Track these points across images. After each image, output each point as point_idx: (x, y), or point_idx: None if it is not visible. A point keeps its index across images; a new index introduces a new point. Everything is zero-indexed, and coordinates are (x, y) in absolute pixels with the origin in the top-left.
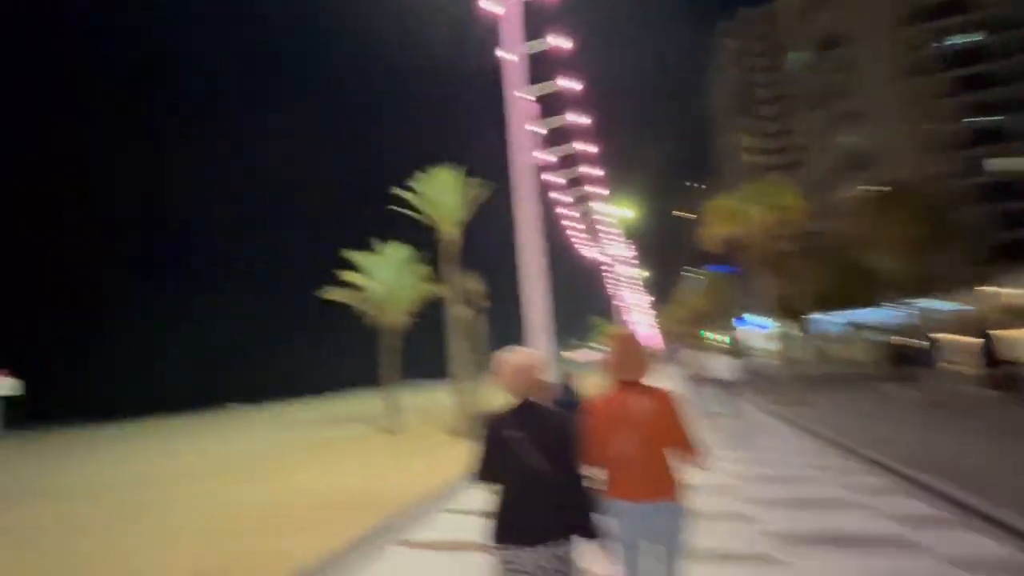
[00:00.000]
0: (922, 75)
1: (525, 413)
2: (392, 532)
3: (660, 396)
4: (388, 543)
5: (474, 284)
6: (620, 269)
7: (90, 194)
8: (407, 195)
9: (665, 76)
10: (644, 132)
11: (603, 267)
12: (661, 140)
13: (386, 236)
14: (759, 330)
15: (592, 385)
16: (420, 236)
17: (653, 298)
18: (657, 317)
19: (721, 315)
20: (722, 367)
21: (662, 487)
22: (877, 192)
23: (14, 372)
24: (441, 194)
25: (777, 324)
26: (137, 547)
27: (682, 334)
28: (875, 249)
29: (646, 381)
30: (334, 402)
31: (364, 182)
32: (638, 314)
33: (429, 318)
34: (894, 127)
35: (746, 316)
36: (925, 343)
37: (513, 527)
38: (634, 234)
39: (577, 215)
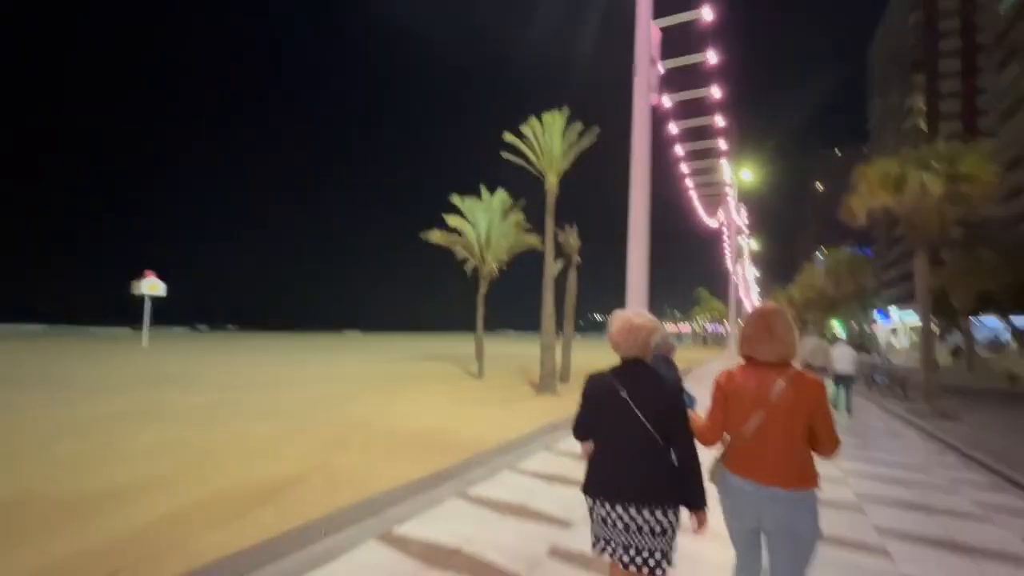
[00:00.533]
0: None
1: (632, 374)
2: (453, 481)
3: (810, 385)
4: (448, 492)
5: (571, 238)
6: (736, 239)
7: (221, 131)
8: (515, 140)
9: (834, 18)
10: (782, 85)
11: (719, 234)
12: (802, 94)
13: (497, 183)
14: (900, 324)
15: (685, 359)
16: (529, 185)
17: (759, 275)
18: (769, 296)
19: (851, 302)
20: (841, 359)
21: (795, 474)
22: None
23: (160, 276)
24: (545, 140)
25: (925, 320)
26: (255, 440)
27: (799, 318)
28: None
29: (794, 363)
30: (436, 340)
31: (483, 126)
32: (748, 290)
33: (529, 268)
34: None
35: (886, 307)
36: None
37: (606, 483)
38: (751, 200)
39: (696, 174)
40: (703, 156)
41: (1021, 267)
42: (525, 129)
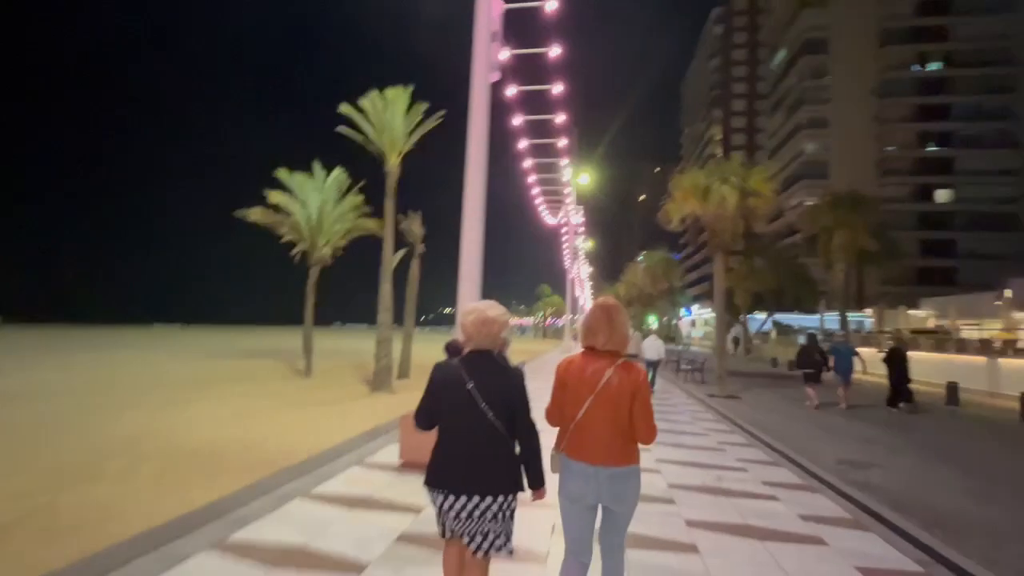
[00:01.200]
0: (889, 96)
1: (478, 364)
2: (221, 520)
3: (634, 372)
4: (207, 538)
5: (414, 225)
6: (573, 237)
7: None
8: (354, 114)
9: (654, 52)
10: (616, 102)
11: (560, 232)
12: (631, 114)
13: (334, 164)
14: (698, 319)
15: (525, 351)
16: (369, 168)
17: (594, 270)
18: (598, 292)
19: (663, 299)
20: (651, 348)
21: (622, 454)
22: (831, 199)
23: None
24: (387, 116)
25: (716, 316)
26: None
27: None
28: (819, 257)
29: (622, 353)
30: (260, 335)
31: (322, 100)
32: (583, 287)
33: (371, 258)
34: (854, 142)
35: (690, 305)
36: (847, 352)
37: (448, 473)
38: (586, 204)
39: (537, 170)
40: (545, 153)
41: (781, 275)
42: (365, 103)
